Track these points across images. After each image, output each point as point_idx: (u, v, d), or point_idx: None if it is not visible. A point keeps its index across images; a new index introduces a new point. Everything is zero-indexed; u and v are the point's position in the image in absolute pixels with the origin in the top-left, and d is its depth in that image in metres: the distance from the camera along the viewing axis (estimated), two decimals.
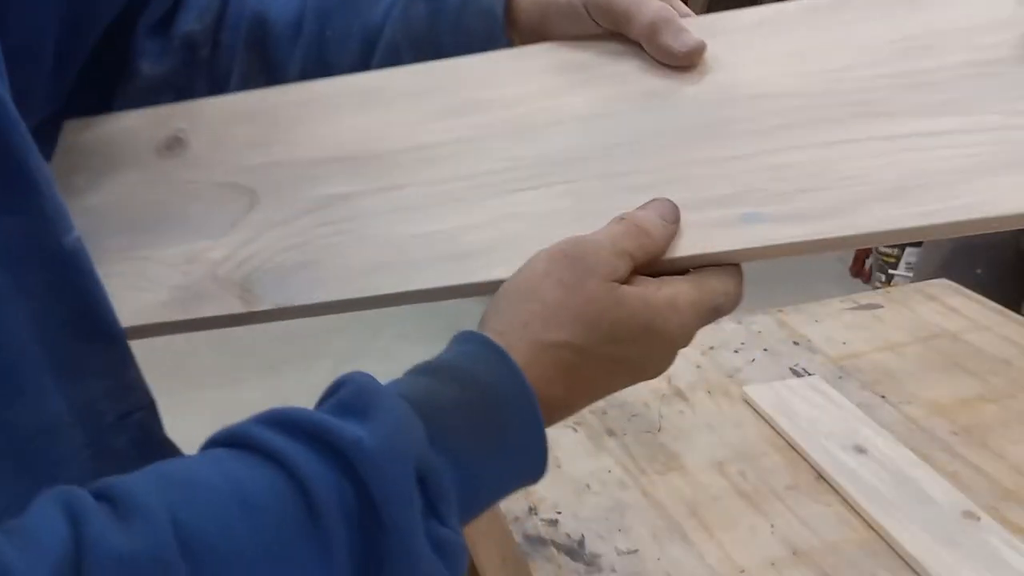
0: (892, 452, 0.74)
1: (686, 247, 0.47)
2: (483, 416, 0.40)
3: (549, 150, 0.53)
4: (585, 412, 0.83)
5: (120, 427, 0.44)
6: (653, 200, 0.47)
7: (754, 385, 0.85)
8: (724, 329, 0.99)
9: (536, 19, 0.57)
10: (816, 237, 0.46)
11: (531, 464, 0.42)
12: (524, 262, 0.45)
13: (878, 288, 2.20)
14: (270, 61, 0.62)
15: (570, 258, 0.43)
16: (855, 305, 1.04)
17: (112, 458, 0.34)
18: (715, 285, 0.45)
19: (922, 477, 0.71)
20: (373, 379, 0.39)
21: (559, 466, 0.75)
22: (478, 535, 0.81)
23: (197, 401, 1.81)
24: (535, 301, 0.42)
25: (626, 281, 0.43)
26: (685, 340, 0.45)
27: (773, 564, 0.63)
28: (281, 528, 0.33)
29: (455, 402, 0.40)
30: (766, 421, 0.80)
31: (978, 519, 0.66)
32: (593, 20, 0.54)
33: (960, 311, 1.02)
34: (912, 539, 0.64)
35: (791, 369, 0.90)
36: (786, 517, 0.68)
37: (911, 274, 2.57)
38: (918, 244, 2.44)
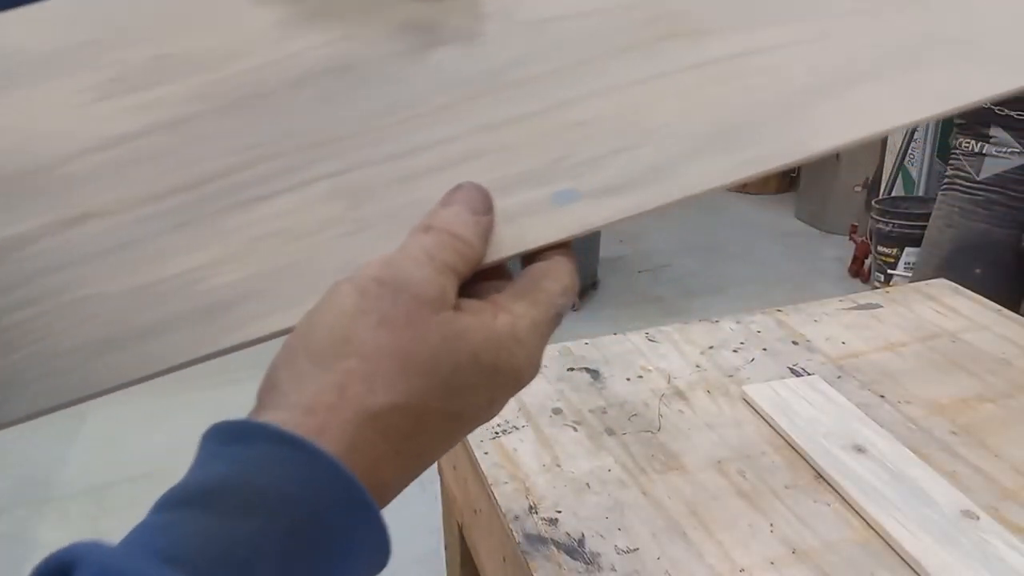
0: (891, 451, 0.74)
1: (498, 249, 0.38)
2: (299, 548, 0.29)
3: (292, 128, 0.39)
4: (584, 411, 0.83)
5: None
6: (456, 190, 0.37)
7: (753, 385, 0.85)
8: (723, 329, 0.99)
9: None
10: (638, 211, 0.39)
11: (373, 562, 0.32)
12: (308, 298, 0.34)
13: (877, 288, 2.20)
14: None
15: (387, 286, 0.33)
16: (854, 305, 1.04)
17: None
18: (551, 288, 0.37)
19: (921, 476, 0.71)
20: (110, 552, 0.26)
21: (559, 465, 0.75)
22: (479, 535, 0.81)
23: (197, 401, 1.81)
24: (351, 355, 0.32)
25: (456, 306, 0.34)
26: (533, 371, 0.36)
27: (772, 563, 0.63)
28: None
29: (254, 543, 0.28)
30: (765, 421, 0.80)
31: (977, 518, 0.66)
32: None
33: (959, 311, 1.02)
34: (911, 538, 0.64)
35: (790, 369, 0.90)
36: (785, 516, 0.68)
37: (910, 274, 2.58)
38: (917, 244, 2.45)
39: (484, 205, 0.37)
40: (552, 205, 0.39)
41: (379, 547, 0.32)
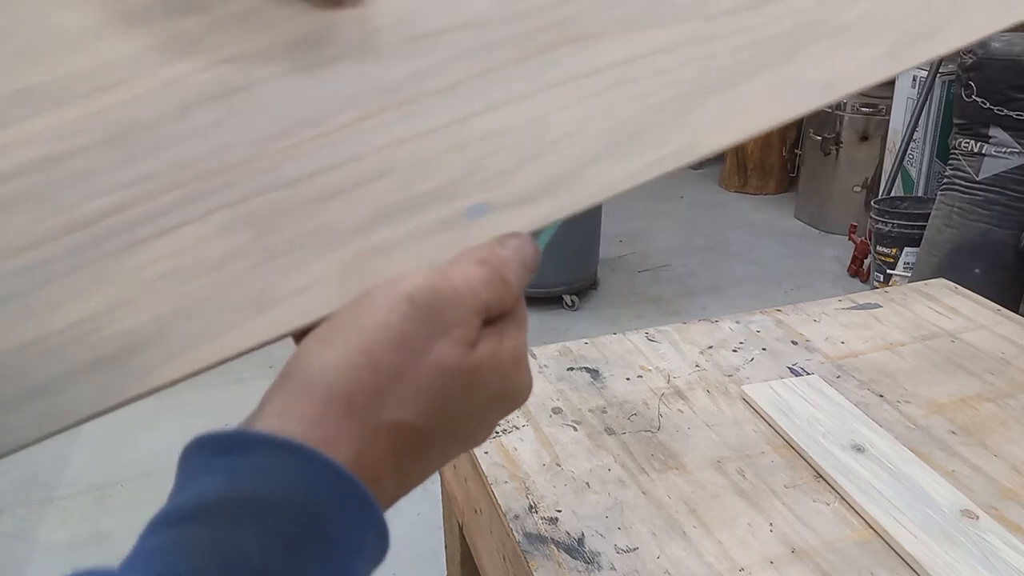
0: (890, 451, 0.74)
1: (415, 263, 0.37)
2: (307, 551, 0.29)
3: (183, 158, 0.37)
4: (584, 411, 0.83)
5: None
6: (513, 236, 0.37)
7: (753, 384, 0.86)
8: (723, 328, 0.99)
9: None
10: (547, 220, 0.39)
11: (375, 557, 0.32)
12: (219, 337, 0.34)
13: (876, 288, 2.20)
14: None
15: (421, 309, 0.32)
16: (853, 305, 1.04)
17: None
18: (517, 305, 0.37)
19: (920, 476, 0.71)
20: None
21: (559, 464, 0.75)
22: (479, 534, 0.81)
23: (198, 401, 1.81)
24: (365, 367, 0.31)
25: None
26: (528, 394, 0.37)
27: (772, 562, 0.63)
28: None
29: (260, 553, 0.28)
30: (765, 420, 0.81)
31: (976, 518, 0.66)
32: None
33: (958, 310, 1.02)
34: (911, 538, 0.64)
35: (789, 368, 0.90)
36: (785, 515, 0.68)
37: (909, 274, 2.58)
38: (916, 244, 2.45)
39: (533, 263, 0.37)
40: (467, 220, 0.38)
41: (380, 541, 0.32)
